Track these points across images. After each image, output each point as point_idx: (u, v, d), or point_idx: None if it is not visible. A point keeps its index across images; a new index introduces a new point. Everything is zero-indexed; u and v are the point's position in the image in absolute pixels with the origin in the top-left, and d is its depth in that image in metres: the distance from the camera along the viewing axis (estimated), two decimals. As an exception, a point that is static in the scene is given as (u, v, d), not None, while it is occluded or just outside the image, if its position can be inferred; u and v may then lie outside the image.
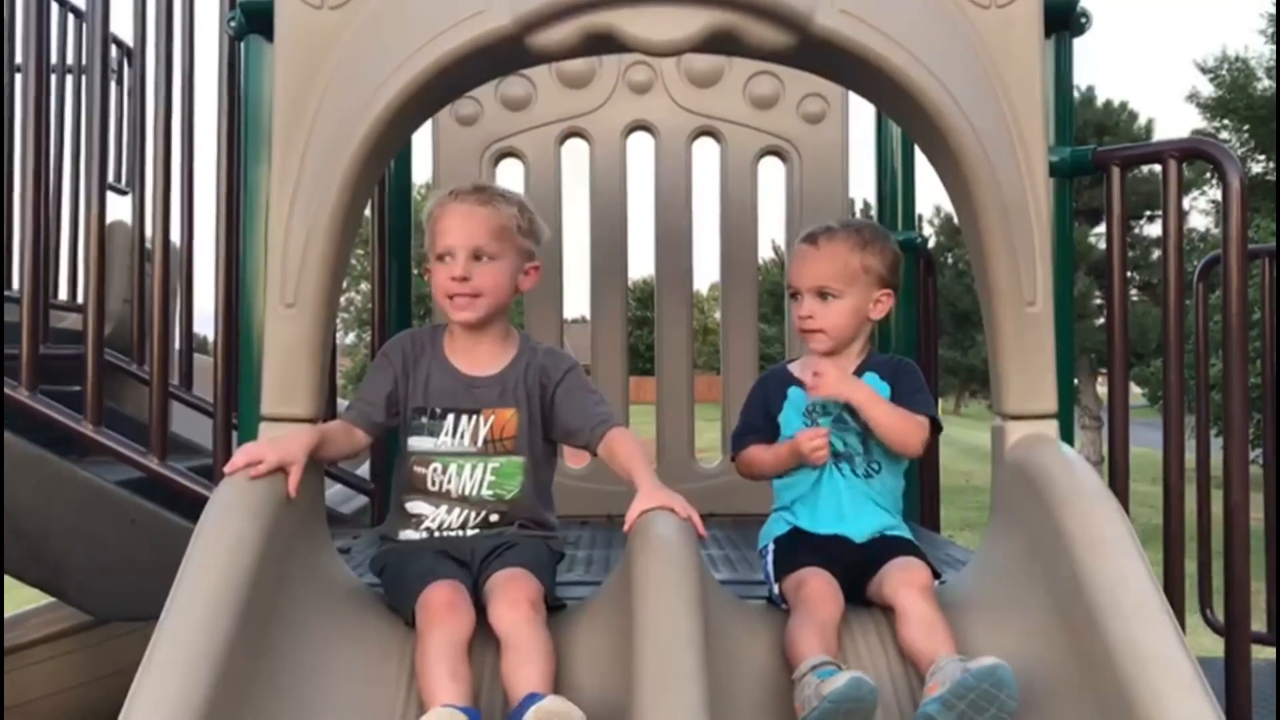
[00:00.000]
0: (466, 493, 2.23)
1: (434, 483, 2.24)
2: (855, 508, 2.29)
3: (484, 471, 2.23)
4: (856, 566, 2.22)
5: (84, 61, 3.98)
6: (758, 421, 2.38)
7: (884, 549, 2.23)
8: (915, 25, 2.08)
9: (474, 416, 2.24)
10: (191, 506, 2.93)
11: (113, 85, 4.05)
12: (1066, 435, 2.36)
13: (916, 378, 2.36)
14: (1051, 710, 1.88)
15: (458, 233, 2.21)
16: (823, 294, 2.30)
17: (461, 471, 2.23)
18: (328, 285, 2.16)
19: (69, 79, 4.31)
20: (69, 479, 3.04)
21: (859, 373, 2.33)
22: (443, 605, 2.00)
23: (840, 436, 2.29)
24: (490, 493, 2.24)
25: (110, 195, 3.47)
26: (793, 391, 2.35)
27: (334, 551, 2.30)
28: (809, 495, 2.32)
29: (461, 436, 2.24)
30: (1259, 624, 3.64)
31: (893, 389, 2.31)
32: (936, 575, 2.19)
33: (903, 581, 2.11)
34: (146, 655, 1.68)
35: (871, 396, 2.26)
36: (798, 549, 2.26)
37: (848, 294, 2.30)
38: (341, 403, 3.55)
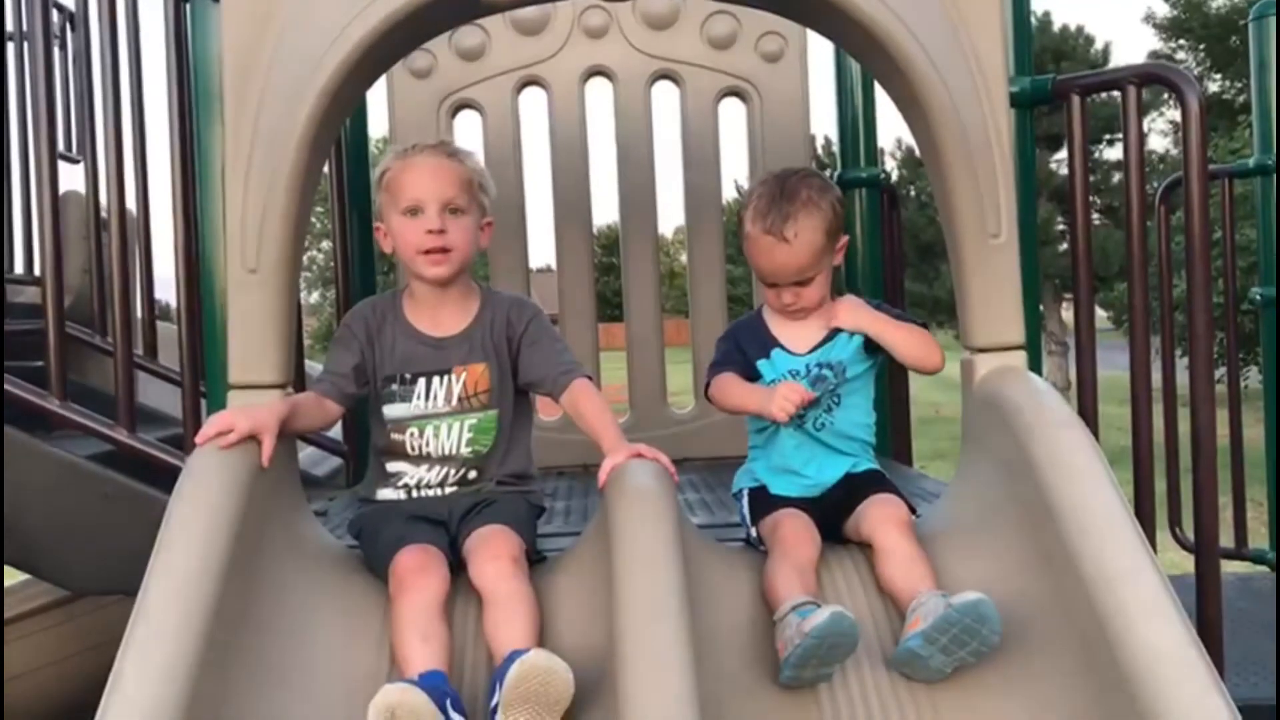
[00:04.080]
0: (447, 452, 2.23)
1: (413, 447, 2.24)
2: (813, 464, 2.30)
3: (461, 429, 2.23)
4: (831, 505, 2.24)
5: (25, 28, 3.89)
6: (737, 359, 2.34)
7: (857, 486, 2.26)
8: (870, -41, 2.06)
9: (445, 376, 2.23)
10: (164, 477, 2.91)
11: (56, 51, 3.96)
12: (1034, 365, 2.38)
13: (884, 308, 2.37)
14: (1028, 635, 1.91)
15: (428, 186, 2.18)
16: (801, 282, 2.27)
17: (439, 432, 2.23)
18: (289, 248, 2.14)
19: (10, 46, 4.20)
20: (37, 455, 2.99)
21: (830, 338, 2.31)
22: (411, 570, 2.00)
23: (829, 400, 2.29)
24: (469, 449, 2.24)
25: (61, 164, 3.40)
26: (776, 354, 2.32)
27: (311, 515, 2.30)
28: (767, 448, 2.34)
29: (435, 398, 2.23)
30: (1226, 539, 3.73)
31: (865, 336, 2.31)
32: (912, 510, 2.21)
33: (881, 518, 2.13)
34: (129, 628, 1.68)
35: (883, 320, 2.29)
36: (772, 495, 2.28)
37: (823, 267, 2.28)
38: (309, 364, 3.54)
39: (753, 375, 2.32)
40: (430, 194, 2.18)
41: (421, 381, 2.23)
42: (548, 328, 2.30)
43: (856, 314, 2.31)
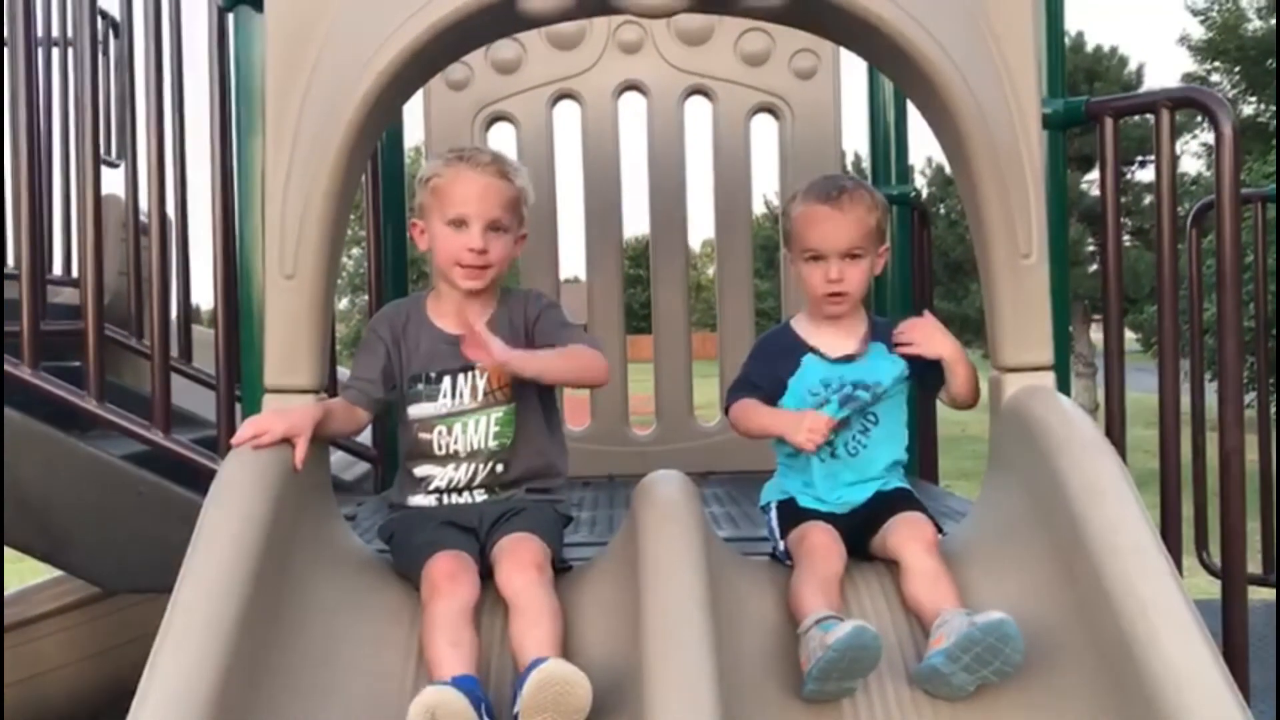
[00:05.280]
0: (475, 447, 2.25)
1: (440, 446, 2.26)
2: (837, 491, 2.30)
3: (488, 423, 2.26)
4: (859, 522, 2.25)
5: (71, 35, 3.96)
6: (761, 380, 2.34)
7: (885, 503, 2.26)
8: (906, -21, 2.07)
9: (469, 373, 2.25)
10: (196, 478, 2.95)
11: (100, 57, 4.02)
12: (1063, 386, 2.39)
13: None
14: (1052, 656, 1.91)
15: (476, 203, 2.22)
16: (851, 255, 2.27)
17: (466, 429, 2.25)
18: (326, 255, 2.17)
19: (55, 52, 4.27)
20: (73, 454, 3.05)
21: (866, 350, 2.32)
22: (444, 576, 2.02)
23: (864, 431, 2.29)
24: (495, 443, 2.26)
25: (102, 168, 3.45)
26: (808, 360, 2.32)
27: (341, 520, 2.32)
28: (801, 468, 2.33)
29: (461, 395, 2.26)
30: (1254, 565, 3.70)
31: (911, 362, 2.30)
32: (939, 529, 2.21)
33: (907, 536, 2.13)
34: (163, 627, 1.71)
35: (959, 351, 2.27)
36: (800, 507, 2.29)
37: (868, 255, 2.30)
38: (340, 370, 3.58)
39: (779, 389, 2.32)
40: (477, 212, 2.22)
41: (447, 380, 2.26)
42: (558, 314, 2.34)
43: (938, 339, 2.27)
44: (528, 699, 1.77)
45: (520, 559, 2.06)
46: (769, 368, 2.34)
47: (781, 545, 2.26)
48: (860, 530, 2.23)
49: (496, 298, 2.33)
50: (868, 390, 2.29)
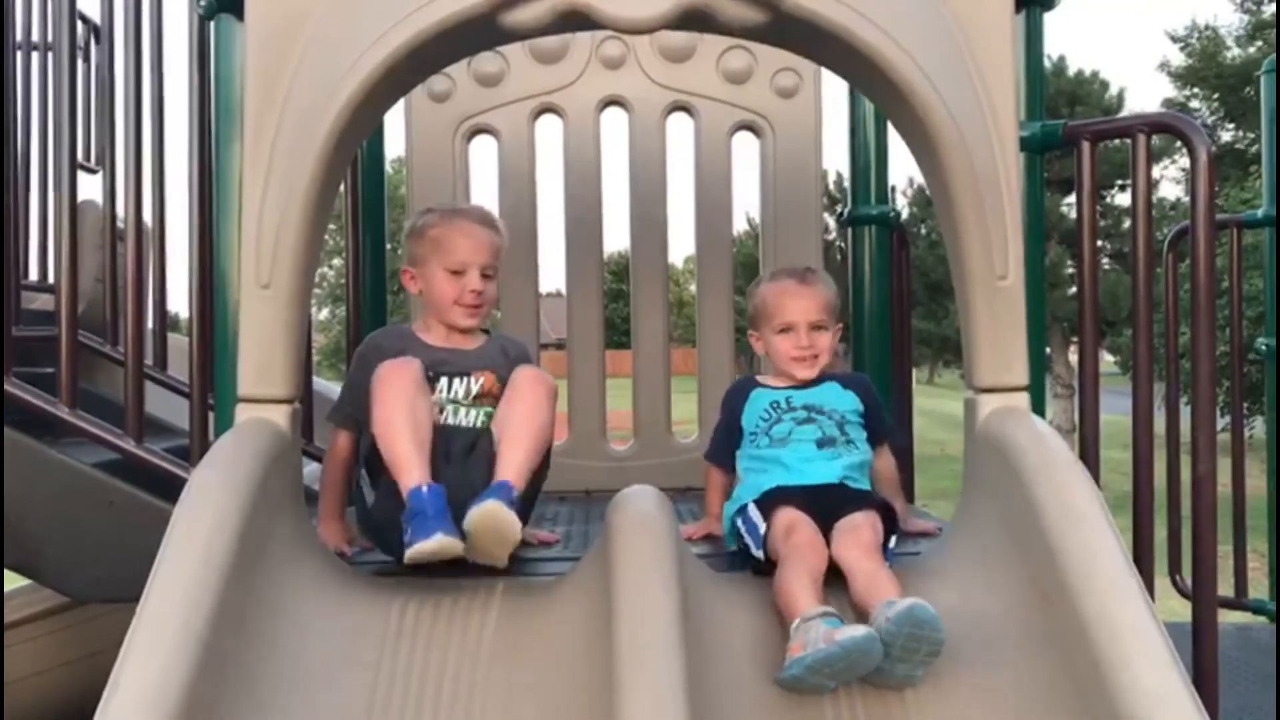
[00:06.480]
0: (464, 424, 2.46)
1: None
2: (820, 468, 2.43)
3: (478, 414, 2.48)
4: (827, 508, 2.28)
5: (50, 39, 3.94)
6: (729, 431, 2.60)
7: (845, 502, 2.31)
8: (887, 1, 2.09)
9: (465, 377, 2.49)
10: (169, 487, 2.93)
11: (80, 63, 4.00)
12: (1038, 407, 2.40)
13: (878, 400, 2.65)
14: (1026, 677, 1.91)
15: (473, 252, 2.56)
16: (817, 327, 2.56)
17: (458, 412, 2.47)
18: (303, 266, 2.17)
19: (35, 56, 4.25)
20: (45, 462, 3.02)
21: (818, 383, 2.57)
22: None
23: (818, 428, 2.49)
24: (483, 425, 2.47)
25: (80, 174, 3.43)
26: (755, 393, 2.58)
27: (313, 531, 2.32)
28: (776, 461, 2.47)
29: (455, 391, 2.48)
30: (1226, 589, 3.72)
31: (861, 402, 2.56)
32: (893, 529, 2.27)
33: (847, 544, 2.18)
34: (128, 637, 1.69)
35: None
36: (777, 498, 2.33)
37: (830, 327, 2.58)
38: (316, 380, 3.56)
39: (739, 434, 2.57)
40: (475, 260, 2.56)
41: (445, 379, 2.48)
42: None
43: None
44: (473, 521, 2.09)
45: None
46: (733, 412, 2.60)
47: (763, 530, 2.26)
48: (827, 517, 2.26)
49: (481, 331, 2.64)
50: (823, 414, 2.50)
